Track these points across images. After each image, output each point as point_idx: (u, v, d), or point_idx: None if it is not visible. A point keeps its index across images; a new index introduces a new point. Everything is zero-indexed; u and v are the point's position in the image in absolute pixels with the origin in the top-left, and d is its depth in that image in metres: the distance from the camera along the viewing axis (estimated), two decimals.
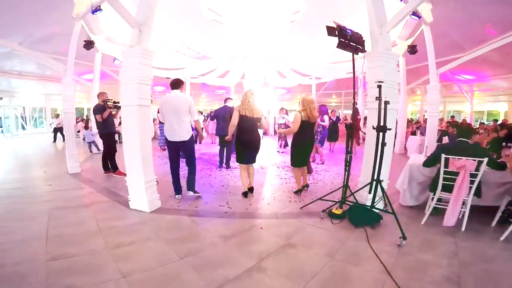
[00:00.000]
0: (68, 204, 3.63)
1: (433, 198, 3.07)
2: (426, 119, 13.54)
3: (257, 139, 3.84)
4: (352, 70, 3.20)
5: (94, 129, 7.95)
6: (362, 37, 3.19)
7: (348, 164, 3.10)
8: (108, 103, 5.01)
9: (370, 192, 2.91)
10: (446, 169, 2.83)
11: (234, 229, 2.88)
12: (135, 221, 3.09)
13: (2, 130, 14.02)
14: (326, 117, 6.32)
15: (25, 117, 15.70)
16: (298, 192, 3.96)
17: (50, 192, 4.21)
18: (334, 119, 7.97)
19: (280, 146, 8.53)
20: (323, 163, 6.36)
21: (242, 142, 3.75)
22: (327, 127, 6.32)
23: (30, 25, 6.96)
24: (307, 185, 4.11)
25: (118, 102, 5.05)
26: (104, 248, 2.46)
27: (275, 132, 9.12)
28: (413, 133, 8.88)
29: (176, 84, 3.74)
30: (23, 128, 15.61)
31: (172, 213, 3.31)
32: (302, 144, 3.86)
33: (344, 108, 18.89)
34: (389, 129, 2.80)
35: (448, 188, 2.87)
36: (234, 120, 3.70)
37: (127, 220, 3.11)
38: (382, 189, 2.91)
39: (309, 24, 6.15)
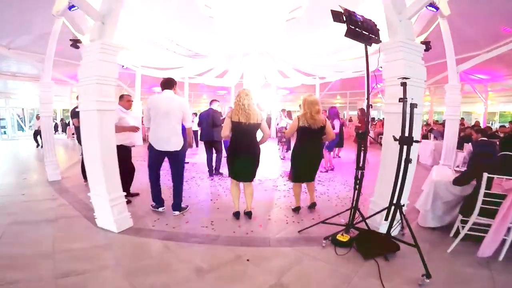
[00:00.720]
0: (32, 218, 3.19)
1: (463, 221, 2.48)
2: (437, 121, 12.91)
3: (256, 151, 3.09)
4: (362, 67, 2.61)
5: None
6: (376, 25, 2.63)
7: (359, 182, 2.51)
8: None
9: (386, 219, 2.32)
10: (488, 191, 2.23)
11: (215, 259, 2.33)
12: (97, 243, 2.59)
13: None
14: (337, 123, 5.64)
15: (24, 118, 15.44)
16: (296, 210, 3.37)
17: (18, 203, 3.76)
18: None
19: (282, 150, 7.93)
20: (326, 171, 5.74)
21: (236, 154, 3.06)
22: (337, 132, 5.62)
23: (20, 26, 6.61)
24: (313, 204, 3.46)
25: None
26: (50, 276, 2.05)
27: (276, 135, 8.52)
28: (425, 137, 8.20)
29: (168, 83, 3.22)
30: (22, 129, 15.36)
31: (143, 234, 2.78)
32: (302, 157, 3.22)
33: (349, 109, 18.26)
34: (417, 142, 2.21)
35: (487, 213, 2.27)
36: (226, 130, 3.01)
37: (89, 242, 2.61)
38: (403, 216, 2.32)
39: (311, 20, 5.60)
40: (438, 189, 2.76)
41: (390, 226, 2.32)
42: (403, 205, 2.29)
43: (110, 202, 2.72)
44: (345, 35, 2.44)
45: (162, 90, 3.21)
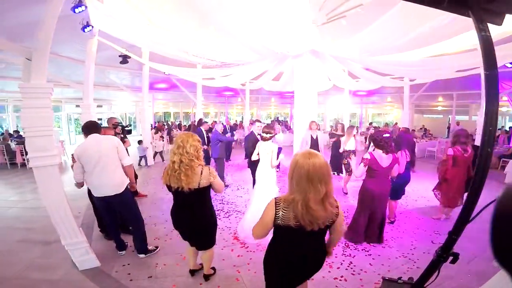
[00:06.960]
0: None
1: None
2: None
3: (200, 223, 2.33)
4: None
5: (145, 143, 8.06)
6: None
7: None
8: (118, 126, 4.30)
9: None
10: None
11: None
12: (48, 276, 2.66)
13: None
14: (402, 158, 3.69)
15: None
16: None
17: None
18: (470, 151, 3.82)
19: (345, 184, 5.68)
20: (392, 222, 3.90)
21: (176, 226, 2.44)
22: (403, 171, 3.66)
23: None
24: None
25: (127, 126, 4.61)
26: None
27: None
28: None
29: (90, 128, 2.88)
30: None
31: (97, 279, 2.62)
32: (281, 269, 1.64)
33: (455, 113, 13.90)
34: None
35: None
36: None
37: (44, 273, 2.72)
38: None
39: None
40: None
41: None
42: None
43: (66, 246, 2.77)
44: None
45: (86, 135, 2.86)
